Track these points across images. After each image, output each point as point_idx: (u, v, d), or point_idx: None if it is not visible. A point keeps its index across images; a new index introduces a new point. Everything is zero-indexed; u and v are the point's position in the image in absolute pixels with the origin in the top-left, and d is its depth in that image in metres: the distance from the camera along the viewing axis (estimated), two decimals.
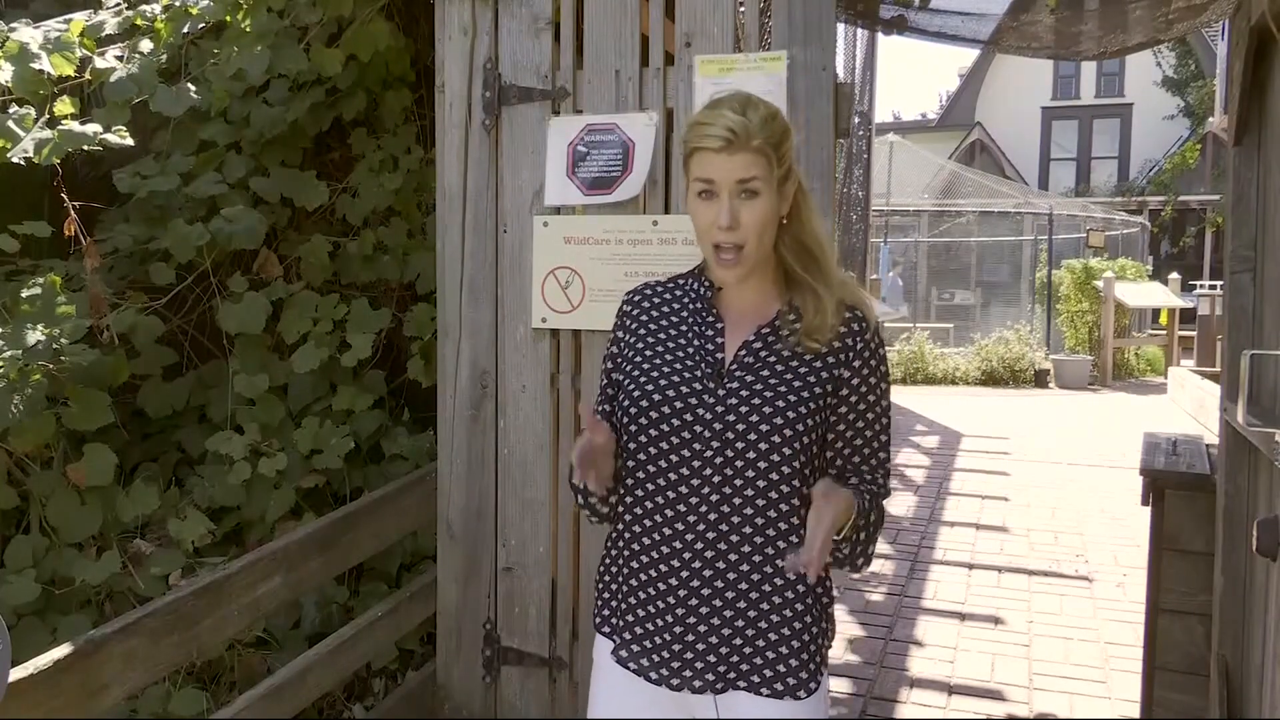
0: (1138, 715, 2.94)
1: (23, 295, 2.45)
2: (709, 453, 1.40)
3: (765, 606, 1.42)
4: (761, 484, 1.39)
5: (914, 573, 4.61)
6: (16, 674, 1.53)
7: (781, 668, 1.42)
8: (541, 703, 2.58)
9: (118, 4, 3.17)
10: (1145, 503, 2.81)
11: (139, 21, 3.09)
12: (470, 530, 2.62)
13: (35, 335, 2.32)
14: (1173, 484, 2.74)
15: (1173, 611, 2.73)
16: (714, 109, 1.40)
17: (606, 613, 1.54)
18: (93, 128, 2.69)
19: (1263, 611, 1.99)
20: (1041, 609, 4.17)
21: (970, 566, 4.72)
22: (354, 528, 2.40)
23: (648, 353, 1.50)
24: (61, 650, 1.63)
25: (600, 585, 1.56)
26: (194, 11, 3.06)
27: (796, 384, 1.42)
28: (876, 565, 4.67)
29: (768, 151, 1.38)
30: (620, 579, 1.50)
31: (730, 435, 1.40)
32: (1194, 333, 11.16)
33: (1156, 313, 12.43)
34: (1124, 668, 3.53)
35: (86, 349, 2.41)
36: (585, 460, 1.35)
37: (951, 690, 3.39)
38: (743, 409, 1.40)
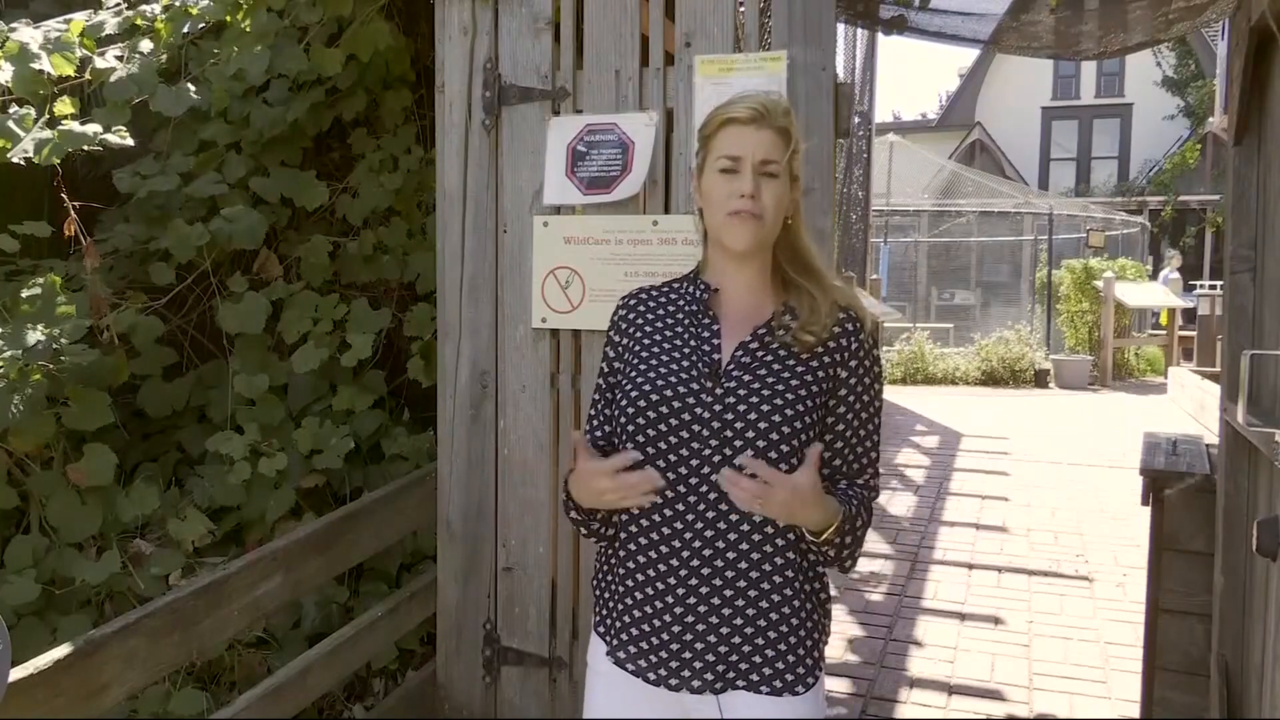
0: (1138, 715, 2.94)
1: (23, 295, 2.45)
2: (707, 451, 1.41)
3: (764, 604, 1.42)
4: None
5: (914, 573, 4.61)
6: (16, 674, 1.53)
7: (780, 665, 1.43)
8: (541, 703, 2.58)
9: (118, 4, 3.17)
10: (1145, 503, 2.81)
11: (139, 21, 3.10)
12: (470, 530, 2.62)
13: (35, 335, 2.32)
14: (1173, 484, 2.74)
15: (1173, 611, 2.73)
16: (739, 96, 1.49)
17: (604, 613, 1.53)
18: (93, 128, 2.69)
19: (1263, 611, 2.00)
20: (1041, 609, 4.17)
21: (970, 566, 4.72)
22: (354, 528, 2.40)
23: (644, 354, 1.50)
24: (61, 650, 1.63)
25: (598, 588, 1.56)
26: (194, 11, 3.06)
27: (794, 382, 1.43)
28: (876, 565, 4.67)
29: (788, 136, 1.46)
30: (617, 580, 1.50)
31: (729, 434, 1.40)
32: (1194, 333, 11.16)
33: (1157, 313, 12.44)
34: (1124, 668, 3.53)
35: (86, 349, 2.41)
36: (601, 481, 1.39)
37: (951, 690, 3.39)
38: (740, 408, 1.40)
